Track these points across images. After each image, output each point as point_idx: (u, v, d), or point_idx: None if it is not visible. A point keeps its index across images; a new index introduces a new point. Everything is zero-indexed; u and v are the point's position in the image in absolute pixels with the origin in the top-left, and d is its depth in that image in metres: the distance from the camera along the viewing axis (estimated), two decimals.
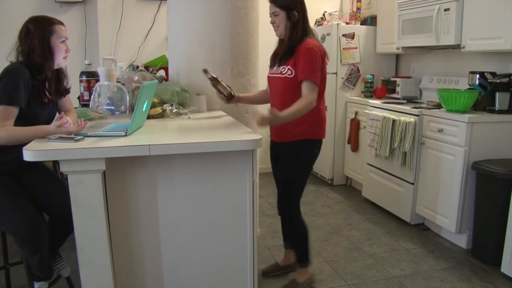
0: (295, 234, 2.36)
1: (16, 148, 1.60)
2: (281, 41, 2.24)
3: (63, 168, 1.51)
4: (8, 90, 1.75)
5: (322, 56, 2.13)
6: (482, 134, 2.72)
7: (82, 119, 1.80)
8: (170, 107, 2.30)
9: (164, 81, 2.77)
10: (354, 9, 4.37)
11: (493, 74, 2.88)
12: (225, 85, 2.32)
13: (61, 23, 1.94)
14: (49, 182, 2.03)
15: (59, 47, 1.90)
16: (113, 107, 2.42)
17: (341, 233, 3.12)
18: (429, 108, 3.09)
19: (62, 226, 1.93)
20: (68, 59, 1.99)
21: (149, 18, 4.29)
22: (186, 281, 1.79)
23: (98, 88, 2.45)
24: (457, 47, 3.05)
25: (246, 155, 1.73)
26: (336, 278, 2.48)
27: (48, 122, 1.92)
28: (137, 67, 3.01)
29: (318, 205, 3.75)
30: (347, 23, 4.29)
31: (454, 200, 2.79)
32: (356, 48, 4.15)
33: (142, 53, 4.30)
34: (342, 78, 4.17)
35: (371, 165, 3.65)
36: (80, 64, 3.21)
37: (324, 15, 4.62)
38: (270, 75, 2.27)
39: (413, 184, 3.14)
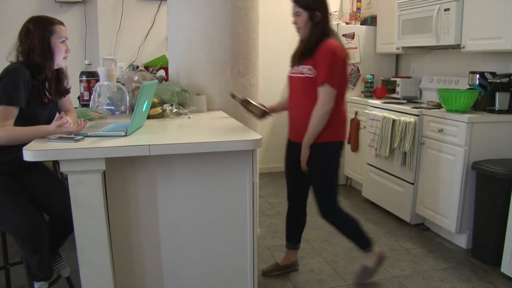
0: (346, 229, 2.34)
1: (16, 148, 1.60)
2: (302, 41, 2.22)
3: (63, 168, 1.51)
4: (8, 90, 1.75)
5: (343, 58, 2.10)
6: (482, 134, 2.72)
7: (82, 119, 1.80)
8: (170, 107, 2.30)
9: (164, 81, 2.77)
10: (354, 9, 4.37)
11: (493, 74, 2.88)
12: (256, 104, 2.37)
13: (61, 23, 1.94)
14: (49, 182, 2.03)
15: (59, 47, 1.90)
16: (113, 107, 2.42)
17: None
18: (429, 108, 3.09)
19: (62, 226, 1.93)
20: (68, 59, 1.99)
21: (149, 18, 4.29)
22: (186, 281, 1.79)
23: (98, 88, 2.45)
24: (457, 47, 3.05)
25: (246, 155, 1.73)
26: (336, 278, 2.48)
27: (48, 122, 1.92)
28: (137, 67, 3.01)
29: None
30: (347, 23, 4.29)
31: (454, 200, 2.79)
32: (356, 48, 4.15)
33: (142, 53, 4.30)
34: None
35: (371, 165, 3.65)
36: (80, 64, 3.21)
37: None
38: (290, 74, 2.26)
39: (413, 184, 3.14)
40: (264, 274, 2.52)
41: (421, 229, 3.17)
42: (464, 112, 2.80)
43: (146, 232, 1.71)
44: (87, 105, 2.50)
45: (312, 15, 2.09)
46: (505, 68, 2.97)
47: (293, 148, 2.32)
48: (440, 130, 2.87)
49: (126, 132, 1.71)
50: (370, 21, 4.23)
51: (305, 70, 2.11)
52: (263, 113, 2.39)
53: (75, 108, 2.22)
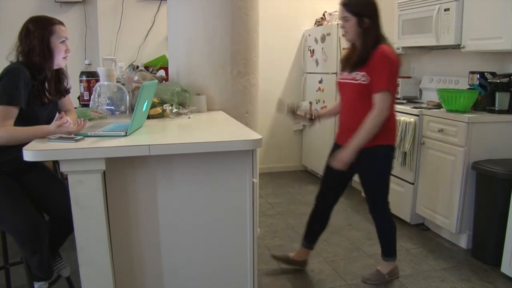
0: (385, 232, 2.40)
1: (16, 148, 1.60)
2: (352, 45, 2.22)
3: (63, 168, 1.51)
4: (8, 90, 1.75)
5: (398, 65, 2.12)
6: (482, 134, 2.72)
7: (82, 118, 1.80)
8: (170, 107, 2.30)
9: (164, 81, 2.77)
10: None
11: (493, 74, 2.88)
12: (303, 112, 2.43)
13: (61, 23, 1.94)
14: (49, 182, 2.03)
15: (58, 47, 1.90)
16: (113, 107, 2.42)
17: (341, 233, 3.12)
18: (429, 108, 3.09)
19: (62, 226, 1.93)
20: (68, 59, 1.99)
21: (149, 18, 4.29)
22: (186, 281, 1.79)
23: (98, 88, 2.45)
24: (457, 47, 3.05)
25: (246, 155, 1.73)
26: (336, 278, 2.48)
27: (48, 122, 1.92)
28: (137, 67, 3.01)
29: None
30: None
31: (454, 200, 2.79)
32: None
33: (142, 53, 4.30)
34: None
35: None
36: (80, 64, 3.21)
37: (324, 15, 4.62)
38: (341, 80, 2.25)
39: (413, 184, 3.14)
40: (273, 257, 2.59)
41: (421, 229, 3.17)
42: (464, 112, 2.80)
43: (146, 232, 1.71)
44: (87, 105, 2.50)
45: (361, 21, 2.08)
46: (505, 68, 2.97)
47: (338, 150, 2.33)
48: (440, 130, 2.87)
49: (126, 132, 1.71)
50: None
51: (359, 76, 2.11)
52: (311, 121, 2.45)
53: (75, 108, 2.22)
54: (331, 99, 4.18)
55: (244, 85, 2.69)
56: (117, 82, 2.60)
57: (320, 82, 4.33)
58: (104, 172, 1.56)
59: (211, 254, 1.79)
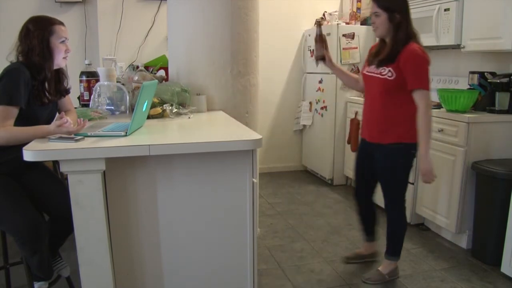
0: (396, 230, 2.41)
1: (16, 148, 1.60)
2: (382, 40, 2.24)
3: (63, 168, 1.51)
4: (8, 90, 1.75)
5: (428, 61, 2.13)
6: (482, 134, 2.72)
7: (82, 118, 1.80)
8: (170, 107, 2.30)
9: (164, 81, 2.77)
10: (354, 9, 4.38)
11: (493, 74, 2.88)
12: (324, 46, 2.40)
13: (61, 23, 1.94)
14: (49, 182, 2.03)
15: (58, 47, 1.90)
16: (113, 107, 2.42)
17: (341, 233, 3.12)
18: None
19: (62, 226, 1.93)
20: (68, 59, 1.99)
21: (149, 18, 4.29)
22: (186, 281, 1.79)
23: (98, 88, 2.45)
24: (457, 47, 3.05)
25: (246, 155, 1.73)
26: (336, 278, 2.48)
27: (48, 122, 1.92)
28: (137, 67, 3.01)
29: (318, 205, 3.75)
30: (347, 23, 4.30)
31: (454, 200, 2.79)
32: (356, 48, 4.15)
33: (142, 53, 4.30)
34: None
35: None
36: (80, 64, 3.21)
37: (324, 15, 4.62)
38: (367, 73, 2.28)
39: (413, 184, 3.14)
40: (346, 262, 2.62)
41: (421, 229, 3.17)
42: (464, 112, 2.80)
43: (146, 232, 1.71)
44: (87, 105, 2.50)
45: (392, 16, 2.10)
46: (505, 68, 2.97)
47: (365, 147, 2.39)
48: (440, 130, 2.87)
49: (126, 132, 1.71)
50: (370, 21, 4.23)
51: (385, 71, 2.14)
52: (321, 57, 2.42)
53: (75, 108, 2.22)
54: (331, 99, 4.19)
55: (244, 85, 2.69)
56: (117, 82, 2.60)
57: (320, 82, 4.33)
58: (104, 172, 1.56)
59: (211, 254, 1.79)
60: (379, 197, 2.49)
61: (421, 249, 2.84)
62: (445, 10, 3.05)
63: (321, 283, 2.43)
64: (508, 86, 2.79)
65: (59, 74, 2.01)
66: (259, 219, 3.23)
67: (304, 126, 4.76)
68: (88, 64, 2.65)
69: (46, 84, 1.91)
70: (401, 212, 2.38)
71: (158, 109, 2.27)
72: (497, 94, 2.82)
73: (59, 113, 1.95)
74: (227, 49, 2.60)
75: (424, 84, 2.09)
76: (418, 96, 2.10)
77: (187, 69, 2.67)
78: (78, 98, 2.71)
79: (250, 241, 1.80)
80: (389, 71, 2.12)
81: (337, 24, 4.15)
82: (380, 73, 2.17)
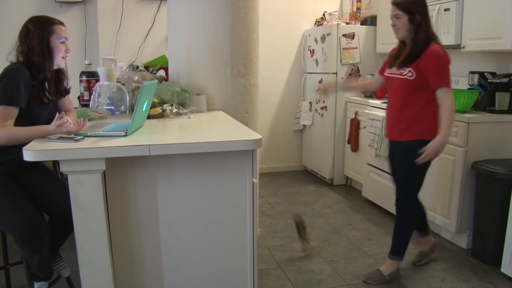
0: (401, 228, 2.42)
1: (16, 148, 1.60)
2: (401, 43, 2.29)
3: (63, 168, 1.51)
4: (8, 90, 1.75)
5: (449, 61, 2.19)
6: (482, 134, 2.72)
7: (82, 118, 1.80)
8: (170, 107, 2.30)
9: (164, 81, 2.77)
10: (354, 9, 4.37)
11: (493, 74, 2.88)
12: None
13: (61, 23, 1.94)
14: (49, 182, 2.03)
15: (58, 47, 1.90)
16: (113, 107, 2.42)
17: (341, 233, 3.13)
18: None
19: (62, 226, 1.93)
20: (68, 59, 1.99)
21: (149, 18, 4.29)
22: (186, 281, 1.79)
23: (98, 88, 2.45)
24: (457, 47, 3.05)
25: (246, 155, 1.73)
26: (336, 278, 2.48)
27: (48, 122, 1.92)
28: (137, 67, 3.01)
29: (318, 205, 3.75)
30: (347, 23, 4.29)
31: (454, 200, 2.79)
32: (356, 48, 4.15)
33: (142, 53, 4.30)
34: (342, 78, 4.17)
35: (371, 165, 3.65)
36: (80, 64, 3.21)
37: (324, 15, 4.62)
38: (388, 74, 2.36)
39: None
40: (414, 264, 2.62)
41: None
42: (464, 112, 2.80)
43: (146, 232, 1.71)
44: (87, 105, 2.50)
45: (412, 18, 2.16)
46: (505, 68, 2.97)
47: (391, 146, 2.47)
48: None
49: (126, 132, 1.71)
50: (370, 21, 4.23)
51: (406, 72, 2.21)
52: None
53: (75, 108, 2.22)
54: (331, 99, 4.18)
55: (244, 85, 2.69)
56: (117, 82, 2.60)
57: (320, 82, 4.33)
58: (104, 172, 1.56)
59: (211, 254, 1.79)
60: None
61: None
62: (445, 10, 3.05)
63: (321, 283, 2.43)
64: (508, 86, 2.79)
65: (59, 74, 2.01)
66: (259, 219, 3.23)
67: (304, 126, 4.76)
68: (88, 64, 2.66)
69: (46, 84, 1.91)
70: (411, 212, 2.39)
71: (158, 109, 2.27)
72: (497, 94, 2.82)
73: (59, 113, 1.95)
74: (227, 49, 2.60)
75: (447, 82, 2.15)
76: (442, 94, 2.15)
77: (187, 69, 2.67)
78: (78, 98, 2.71)
79: (250, 241, 1.80)
80: (409, 71, 2.19)
81: (337, 24, 4.15)
82: (401, 74, 2.23)
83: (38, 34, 1.84)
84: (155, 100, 2.31)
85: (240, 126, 2.07)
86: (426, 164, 2.29)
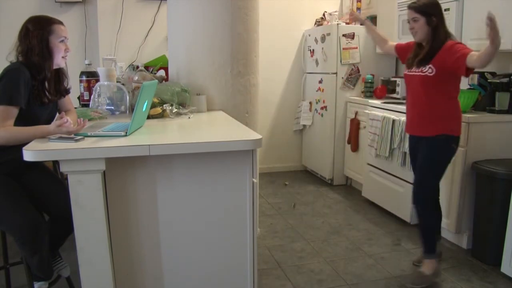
0: (425, 225, 2.43)
1: (16, 148, 1.60)
2: (418, 45, 2.37)
3: (63, 168, 1.51)
4: (8, 90, 1.74)
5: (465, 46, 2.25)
6: (482, 134, 2.72)
7: (82, 118, 1.80)
8: (170, 107, 2.30)
9: (164, 81, 2.77)
10: (354, 9, 4.38)
11: (493, 74, 2.88)
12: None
13: (61, 23, 1.94)
14: (49, 182, 2.03)
15: (58, 47, 1.90)
16: (113, 107, 2.42)
17: (341, 233, 3.13)
18: None
19: (62, 226, 1.93)
20: (68, 59, 1.99)
21: (149, 18, 4.29)
22: (186, 281, 1.79)
23: (98, 88, 2.45)
24: None
25: (246, 155, 1.73)
26: (336, 278, 2.48)
27: (48, 122, 1.92)
28: (137, 67, 3.01)
29: (318, 205, 3.75)
30: (347, 23, 4.29)
31: (454, 200, 2.79)
32: (356, 48, 4.15)
33: (142, 53, 4.30)
34: (342, 78, 4.17)
35: (371, 165, 3.65)
36: (80, 64, 3.21)
37: (324, 15, 4.62)
38: (408, 73, 2.42)
39: (413, 184, 3.13)
40: (414, 264, 2.62)
41: None
42: (464, 112, 2.79)
43: (146, 232, 1.71)
44: (87, 105, 2.50)
45: (429, 20, 2.25)
46: (505, 68, 2.97)
47: (412, 143, 2.51)
48: None
49: (126, 132, 1.71)
50: (370, 21, 4.22)
51: (426, 69, 2.28)
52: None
53: (75, 108, 2.22)
54: (331, 99, 4.19)
55: (244, 85, 2.69)
56: (117, 82, 2.60)
57: (320, 82, 4.33)
58: (104, 172, 1.56)
59: (211, 254, 1.79)
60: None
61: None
62: (445, 10, 3.02)
63: (321, 283, 2.43)
64: (508, 86, 2.79)
65: (59, 74, 2.01)
66: (259, 219, 3.23)
67: (304, 126, 4.76)
68: (88, 64, 2.66)
69: (46, 84, 1.90)
70: (432, 207, 2.40)
71: (158, 109, 2.27)
72: (497, 94, 2.82)
73: (59, 113, 1.95)
74: (227, 49, 2.60)
75: (467, 50, 2.16)
76: (473, 55, 2.11)
77: (187, 69, 2.67)
78: (78, 98, 2.71)
79: (250, 241, 1.80)
80: (430, 67, 2.26)
81: (337, 24, 4.15)
82: (421, 71, 2.30)
83: (37, 33, 1.84)
84: (155, 100, 2.31)
85: (240, 126, 2.07)
86: (448, 158, 2.34)
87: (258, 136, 1.72)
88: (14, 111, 1.76)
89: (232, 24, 2.59)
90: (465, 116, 2.68)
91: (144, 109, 1.89)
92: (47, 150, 1.51)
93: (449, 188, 2.82)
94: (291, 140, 4.90)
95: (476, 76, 2.93)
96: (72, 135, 1.65)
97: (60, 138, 1.62)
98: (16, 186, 1.86)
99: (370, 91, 4.05)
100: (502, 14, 2.64)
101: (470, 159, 2.71)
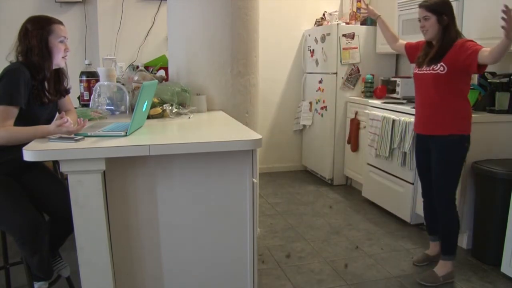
0: (445, 226, 2.42)
1: (16, 148, 1.59)
2: (427, 44, 2.38)
3: (63, 168, 1.51)
4: (8, 90, 1.74)
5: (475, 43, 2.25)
6: (482, 134, 2.71)
7: (82, 118, 1.80)
8: (170, 107, 2.30)
9: (164, 81, 2.77)
10: (354, 9, 4.37)
11: (493, 74, 2.88)
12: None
13: (60, 23, 1.94)
14: (49, 182, 2.03)
15: (57, 46, 1.89)
16: (113, 107, 2.42)
17: (341, 233, 3.13)
18: None
19: (62, 226, 1.93)
20: (67, 59, 1.99)
21: (149, 18, 4.29)
22: (186, 281, 1.79)
23: (98, 88, 2.45)
24: None
25: (246, 155, 1.73)
26: (336, 278, 2.48)
27: (48, 122, 1.92)
28: (137, 67, 3.01)
29: (318, 205, 3.75)
30: (347, 23, 4.30)
31: None
32: (356, 48, 4.15)
33: (142, 53, 4.30)
34: (342, 78, 4.17)
35: (371, 165, 3.65)
36: (80, 64, 3.21)
37: (324, 15, 4.62)
38: (419, 72, 2.41)
39: (413, 184, 3.14)
40: (414, 264, 2.63)
41: (421, 229, 3.17)
42: None
43: (146, 232, 1.71)
44: (87, 105, 2.50)
45: (440, 19, 2.25)
46: (505, 68, 2.97)
47: (421, 142, 2.50)
48: None
49: (126, 132, 1.71)
50: (370, 21, 4.22)
51: (437, 67, 2.27)
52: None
53: (75, 108, 2.22)
54: (331, 99, 4.19)
55: (244, 85, 2.69)
56: (117, 82, 2.60)
57: (320, 82, 4.33)
58: (104, 172, 1.56)
59: (211, 254, 1.79)
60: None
61: (421, 249, 2.84)
62: None
63: (321, 283, 2.43)
64: (508, 86, 2.79)
65: (59, 74, 2.01)
66: (259, 219, 3.23)
67: (304, 126, 4.76)
68: (88, 64, 2.65)
69: (46, 84, 1.90)
70: (453, 206, 2.39)
71: (158, 109, 2.27)
72: (497, 94, 2.82)
73: (59, 113, 1.95)
74: (227, 49, 2.60)
75: (478, 47, 2.18)
76: (484, 51, 2.14)
77: (187, 69, 2.67)
78: (78, 98, 2.71)
79: (250, 241, 1.80)
80: (441, 65, 2.26)
81: (337, 24, 4.15)
82: (432, 69, 2.29)
83: (37, 33, 1.84)
84: (155, 100, 2.31)
85: (240, 126, 2.07)
86: (462, 158, 2.34)
87: (258, 136, 1.72)
88: (14, 111, 1.76)
89: (232, 24, 2.59)
90: None
91: (144, 109, 1.89)
92: (47, 150, 1.51)
93: None
94: (291, 140, 4.90)
95: (476, 76, 2.93)
96: (72, 135, 1.65)
97: (60, 138, 1.62)
98: (16, 186, 1.86)
99: (370, 91, 4.05)
100: (502, 14, 2.64)
101: (470, 159, 2.70)
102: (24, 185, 1.91)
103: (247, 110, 2.73)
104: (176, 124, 2.14)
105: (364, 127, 3.80)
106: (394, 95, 3.82)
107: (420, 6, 2.31)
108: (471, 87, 2.96)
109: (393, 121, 3.23)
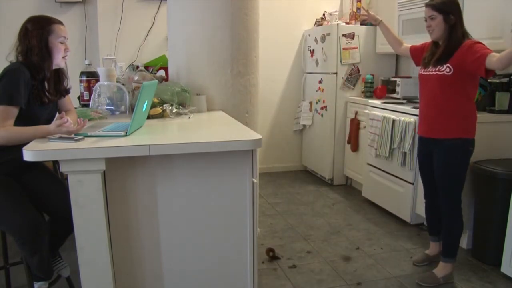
0: (449, 228, 2.40)
1: (16, 148, 1.60)
2: (434, 44, 2.35)
3: (63, 168, 1.51)
4: (8, 90, 1.75)
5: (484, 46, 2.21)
6: (482, 134, 2.70)
7: (82, 118, 1.80)
8: (170, 107, 2.30)
9: (164, 81, 2.77)
10: (354, 9, 4.37)
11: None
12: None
13: (60, 23, 1.94)
14: (49, 182, 2.03)
15: (57, 46, 1.89)
16: (113, 107, 2.42)
17: (341, 233, 3.13)
18: None
19: (62, 226, 1.93)
20: (67, 59, 1.99)
21: (149, 18, 4.29)
22: (186, 281, 1.79)
23: (98, 88, 2.45)
24: None
25: (246, 155, 1.73)
26: (336, 278, 2.48)
27: (48, 122, 1.92)
28: (137, 67, 3.01)
29: (318, 205, 3.75)
30: (347, 23, 4.29)
31: None
32: (356, 48, 4.15)
33: (142, 53, 4.30)
34: (342, 78, 4.17)
35: (371, 165, 3.65)
36: (80, 64, 3.21)
37: (324, 15, 4.62)
38: (424, 73, 2.38)
39: (413, 184, 3.14)
40: (414, 264, 2.63)
41: (421, 229, 3.17)
42: None
43: (146, 232, 1.71)
44: (87, 105, 2.50)
45: (447, 18, 2.22)
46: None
47: (424, 144, 2.46)
48: None
49: (126, 132, 1.71)
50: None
51: (443, 68, 2.24)
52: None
53: (75, 108, 2.22)
54: (331, 99, 4.19)
55: (244, 85, 2.69)
56: (117, 82, 2.60)
57: (320, 82, 4.33)
58: (104, 172, 1.56)
59: (211, 254, 1.79)
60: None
61: (421, 249, 2.84)
62: None
63: (321, 283, 2.43)
64: (508, 86, 2.79)
65: (59, 74, 2.01)
66: (259, 219, 3.23)
67: (304, 126, 4.76)
68: (88, 64, 2.66)
69: (46, 84, 1.90)
70: (458, 209, 2.37)
71: (158, 109, 2.27)
72: (497, 94, 2.82)
73: (59, 113, 1.95)
74: (227, 49, 2.60)
75: (487, 51, 2.13)
76: (493, 56, 2.08)
77: (187, 69, 2.67)
78: (78, 98, 2.71)
79: (250, 241, 1.80)
80: (447, 67, 2.22)
81: (337, 24, 4.15)
82: (438, 70, 2.26)
83: (36, 33, 1.84)
84: (155, 100, 2.31)
85: (240, 126, 2.07)
86: (466, 161, 2.33)
87: (258, 136, 1.72)
88: (14, 111, 1.76)
89: (232, 24, 2.59)
90: None
91: (144, 109, 1.89)
92: (47, 150, 1.51)
93: None
94: (291, 140, 4.90)
95: None
96: (72, 135, 1.65)
97: (60, 138, 1.62)
98: (16, 186, 1.86)
99: (370, 91, 4.05)
100: (502, 14, 2.65)
101: (470, 159, 2.70)
102: (24, 185, 1.91)
103: (247, 110, 2.72)
104: (176, 124, 2.14)
105: (364, 127, 3.80)
106: (394, 95, 3.82)
107: (426, 5, 2.28)
108: None
109: (393, 121, 3.23)
